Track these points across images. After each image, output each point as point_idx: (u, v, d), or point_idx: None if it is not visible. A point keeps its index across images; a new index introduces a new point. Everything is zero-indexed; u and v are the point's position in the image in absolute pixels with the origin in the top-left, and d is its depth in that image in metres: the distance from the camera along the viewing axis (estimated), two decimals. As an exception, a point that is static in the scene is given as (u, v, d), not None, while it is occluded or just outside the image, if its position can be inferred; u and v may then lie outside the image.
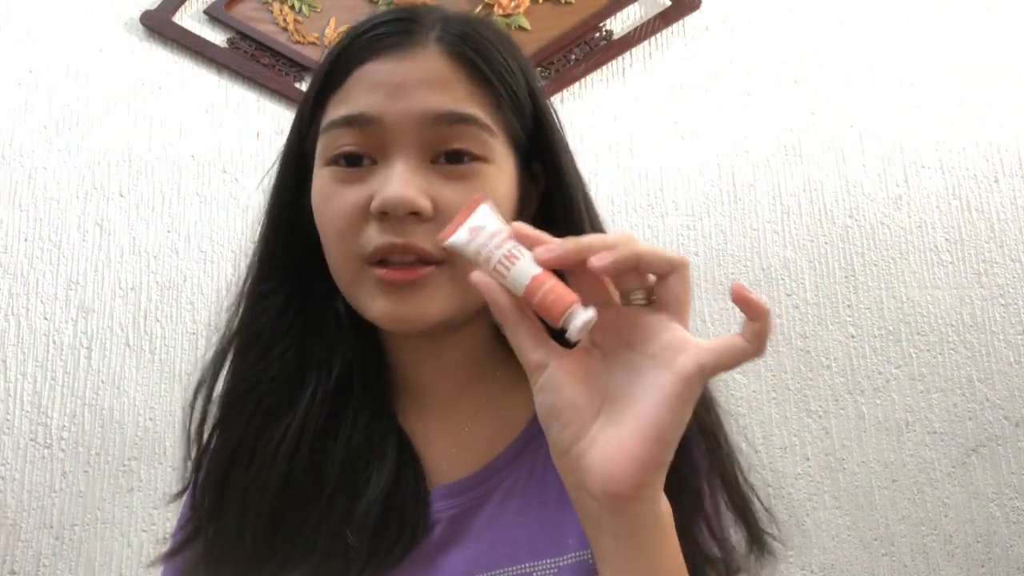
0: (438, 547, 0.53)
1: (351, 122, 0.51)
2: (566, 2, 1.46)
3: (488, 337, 0.60)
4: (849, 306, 1.40)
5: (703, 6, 1.47)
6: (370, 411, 0.56)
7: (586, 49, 1.45)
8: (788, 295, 1.39)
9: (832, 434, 1.35)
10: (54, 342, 1.28)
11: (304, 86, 1.41)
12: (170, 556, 0.57)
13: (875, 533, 1.32)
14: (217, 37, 1.41)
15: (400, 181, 0.49)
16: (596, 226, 0.59)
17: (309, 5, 1.43)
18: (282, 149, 0.60)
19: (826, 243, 1.42)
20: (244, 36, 1.40)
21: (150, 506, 1.24)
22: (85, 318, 1.30)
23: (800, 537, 1.30)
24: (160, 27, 1.39)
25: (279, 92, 1.40)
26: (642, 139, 1.44)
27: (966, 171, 1.46)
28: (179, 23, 1.40)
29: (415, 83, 0.51)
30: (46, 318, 1.29)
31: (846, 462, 1.34)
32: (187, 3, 1.40)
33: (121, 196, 1.35)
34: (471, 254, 0.43)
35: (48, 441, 1.25)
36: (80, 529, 1.22)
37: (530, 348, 0.42)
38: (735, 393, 1.34)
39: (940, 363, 1.38)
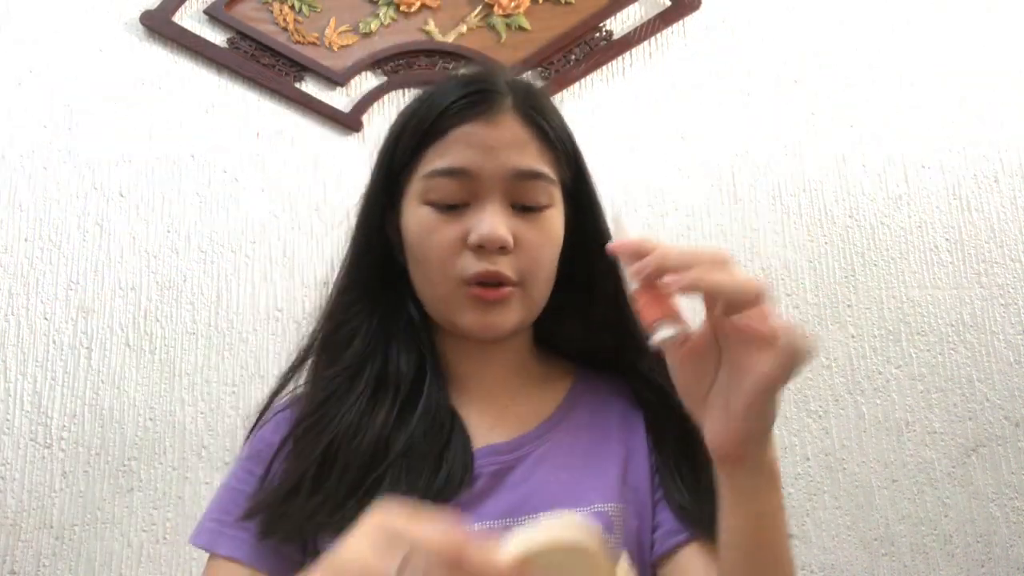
0: (480, 495, 0.65)
1: (454, 173, 0.65)
2: (566, 2, 1.46)
3: (526, 345, 0.75)
4: (849, 306, 1.40)
5: (703, 6, 1.47)
6: (435, 396, 0.68)
7: (586, 49, 1.45)
8: (788, 295, 1.39)
9: (832, 434, 1.35)
10: (54, 342, 1.28)
11: (304, 86, 1.41)
12: (254, 513, 0.65)
13: (875, 533, 1.32)
14: (217, 37, 1.41)
15: (495, 222, 0.64)
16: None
17: (309, 5, 1.43)
18: (369, 184, 0.72)
19: (826, 243, 1.42)
20: (244, 36, 1.40)
21: (150, 506, 1.24)
22: (85, 318, 1.30)
23: (800, 537, 1.30)
24: (160, 27, 1.39)
25: (279, 92, 1.40)
26: (642, 139, 1.44)
27: (966, 171, 1.46)
28: (179, 23, 1.40)
29: (502, 145, 0.65)
30: (46, 318, 1.29)
31: (846, 462, 1.34)
32: (187, 3, 1.40)
33: (121, 196, 1.35)
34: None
35: (48, 441, 1.25)
36: (80, 529, 1.22)
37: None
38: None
39: (940, 363, 1.38)
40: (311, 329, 0.73)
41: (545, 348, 0.77)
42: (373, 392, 0.67)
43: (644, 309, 0.50)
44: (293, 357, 0.73)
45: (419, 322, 0.71)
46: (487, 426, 0.69)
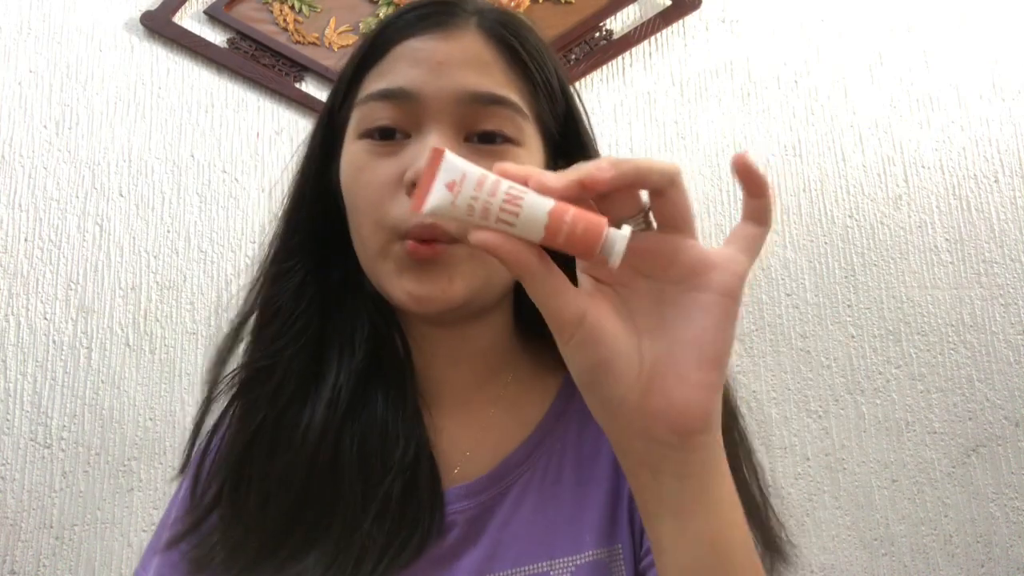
0: (455, 548, 0.52)
1: (389, 96, 0.52)
2: (566, 2, 1.46)
3: (505, 331, 0.60)
4: (849, 306, 1.40)
5: (703, 6, 1.47)
6: (391, 401, 0.55)
7: (586, 49, 1.45)
8: (788, 295, 1.39)
9: (832, 434, 1.35)
10: (54, 342, 1.28)
11: (304, 86, 1.41)
12: (171, 545, 0.54)
13: (875, 533, 1.32)
14: (217, 37, 1.41)
15: None
16: None
17: (309, 5, 1.43)
18: (313, 125, 0.60)
19: (826, 243, 1.42)
20: (244, 36, 1.40)
21: (150, 506, 1.24)
22: (85, 318, 1.30)
23: (800, 537, 1.30)
24: (160, 27, 1.39)
25: (279, 92, 1.40)
26: (642, 139, 1.44)
27: (966, 171, 1.46)
28: (179, 23, 1.40)
29: (455, 62, 0.52)
30: (46, 318, 1.29)
31: (846, 462, 1.34)
32: (187, 3, 1.40)
33: (121, 196, 1.35)
34: (461, 213, 0.35)
35: (48, 441, 1.25)
36: (80, 529, 1.22)
37: (564, 301, 0.36)
38: (735, 393, 1.34)
39: (940, 363, 1.38)
40: (239, 308, 0.61)
41: (536, 338, 0.60)
42: (297, 393, 0.54)
43: (581, 224, 0.35)
44: (216, 350, 0.61)
45: (373, 301, 0.56)
46: (464, 450, 0.56)
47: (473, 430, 0.57)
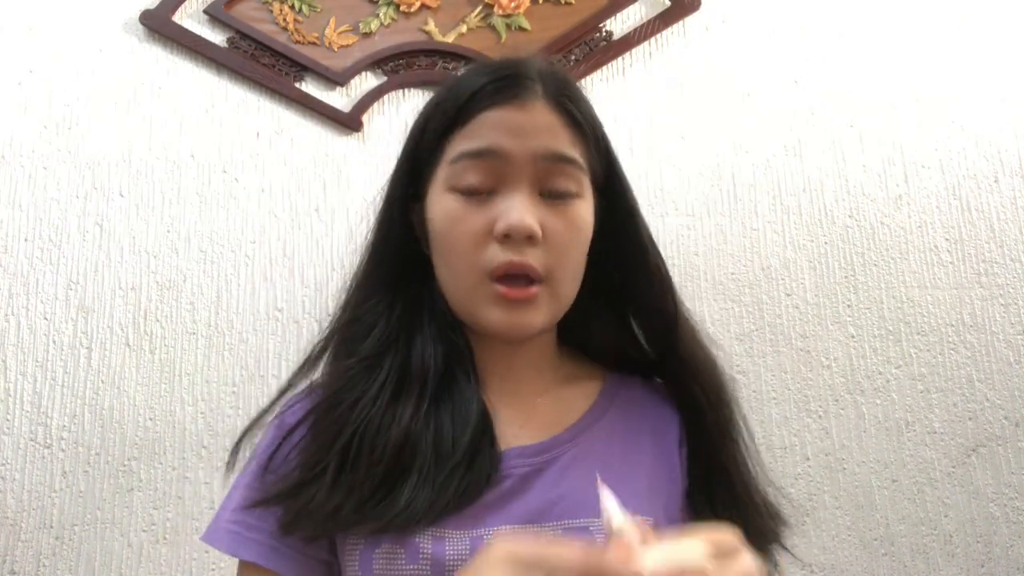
0: (507, 496, 0.62)
1: (481, 155, 0.62)
2: (566, 2, 1.46)
3: (551, 344, 0.72)
4: (849, 306, 1.40)
5: (703, 6, 1.47)
6: (466, 392, 0.65)
7: (586, 49, 1.45)
8: (788, 295, 1.39)
9: (832, 434, 1.35)
10: (54, 342, 1.28)
11: (304, 86, 1.41)
12: (271, 502, 0.62)
13: (875, 533, 1.32)
14: (217, 37, 1.41)
15: (522, 209, 0.61)
16: (653, 242, 0.70)
17: (309, 5, 1.43)
18: (392, 173, 0.70)
19: (826, 243, 1.42)
20: (244, 36, 1.40)
21: (150, 506, 1.24)
22: (85, 318, 1.30)
23: (800, 537, 1.30)
24: (160, 27, 1.39)
25: (279, 92, 1.40)
26: (642, 139, 1.44)
27: (966, 171, 1.46)
28: (179, 23, 1.40)
29: (532, 129, 0.63)
30: (46, 318, 1.29)
31: (846, 462, 1.34)
32: (187, 3, 1.40)
33: (121, 196, 1.35)
34: None
35: (48, 441, 1.25)
36: (80, 529, 1.22)
37: None
38: (738, 395, 1.34)
39: (940, 363, 1.38)
40: (328, 324, 0.70)
41: (572, 349, 0.74)
42: (397, 385, 0.65)
43: None
44: (307, 352, 0.70)
45: (445, 316, 0.68)
46: (516, 426, 0.67)
47: (524, 411, 0.68)
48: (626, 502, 0.60)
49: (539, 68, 0.66)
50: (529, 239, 0.61)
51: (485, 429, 0.64)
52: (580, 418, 0.68)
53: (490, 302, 0.62)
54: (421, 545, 0.59)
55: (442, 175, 0.64)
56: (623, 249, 0.69)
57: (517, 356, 0.69)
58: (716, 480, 0.68)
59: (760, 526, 0.69)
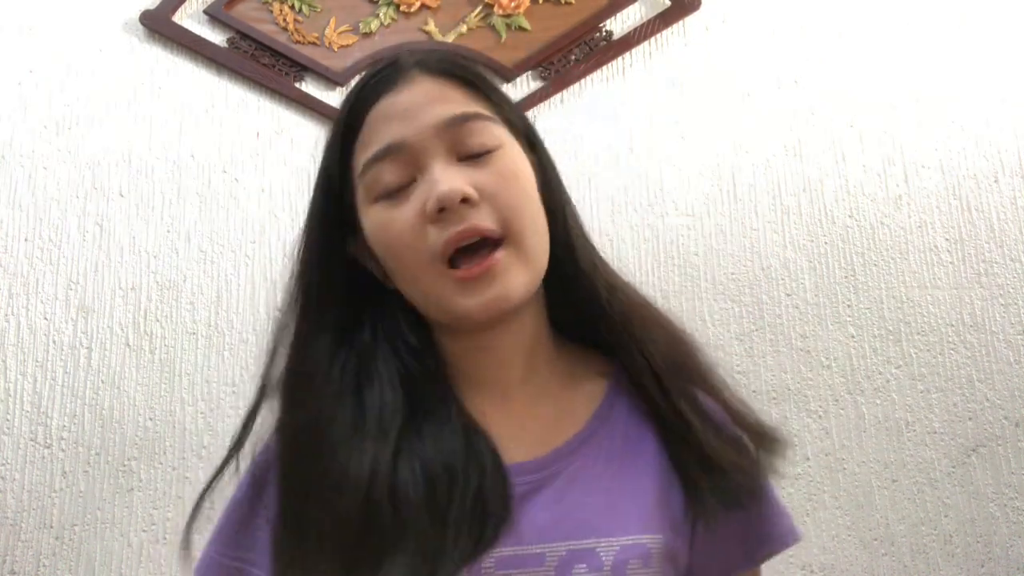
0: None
1: (383, 154, 0.57)
2: (566, 2, 1.46)
3: (536, 329, 0.64)
4: (849, 306, 1.40)
5: (703, 6, 1.47)
6: (441, 417, 0.59)
7: (586, 49, 1.45)
8: (788, 295, 1.39)
9: (832, 434, 1.35)
10: (54, 342, 1.28)
11: (304, 86, 1.41)
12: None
13: (875, 533, 1.32)
14: (217, 37, 1.41)
15: (444, 178, 0.55)
16: (571, 212, 0.65)
17: (309, 5, 1.43)
18: (309, 208, 0.64)
19: (826, 243, 1.42)
20: (244, 36, 1.40)
21: (150, 506, 1.24)
22: (85, 318, 1.30)
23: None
24: (160, 27, 1.39)
25: (279, 92, 1.40)
26: (642, 139, 1.44)
27: (966, 171, 1.46)
28: (179, 23, 1.40)
29: (419, 105, 0.58)
30: (46, 318, 1.29)
31: (846, 462, 1.34)
32: (187, 3, 1.40)
33: (121, 196, 1.35)
34: None
35: (48, 441, 1.25)
36: (80, 529, 1.22)
37: None
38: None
39: (940, 363, 1.38)
40: (261, 375, 0.63)
41: (572, 341, 0.67)
42: (352, 442, 0.57)
43: None
44: (241, 423, 0.64)
45: (408, 342, 0.62)
46: (512, 437, 0.60)
47: (519, 420, 0.62)
48: (633, 523, 0.58)
49: (414, 50, 0.63)
50: (465, 202, 0.55)
51: (479, 450, 0.57)
52: (583, 427, 0.62)
53: (455, 292, 0.56)
54: None
55: (361, 191, 0.59)
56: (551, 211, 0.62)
57: (499, 352, 0.62)
58: (679, 444, 0.61)
59: (744, 476, 0.63)
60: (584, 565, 0.56)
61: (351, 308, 0.62)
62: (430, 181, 0.56)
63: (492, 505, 0.55)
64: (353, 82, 1.37)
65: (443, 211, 0.55)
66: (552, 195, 0.63)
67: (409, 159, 0.57)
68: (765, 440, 0.65)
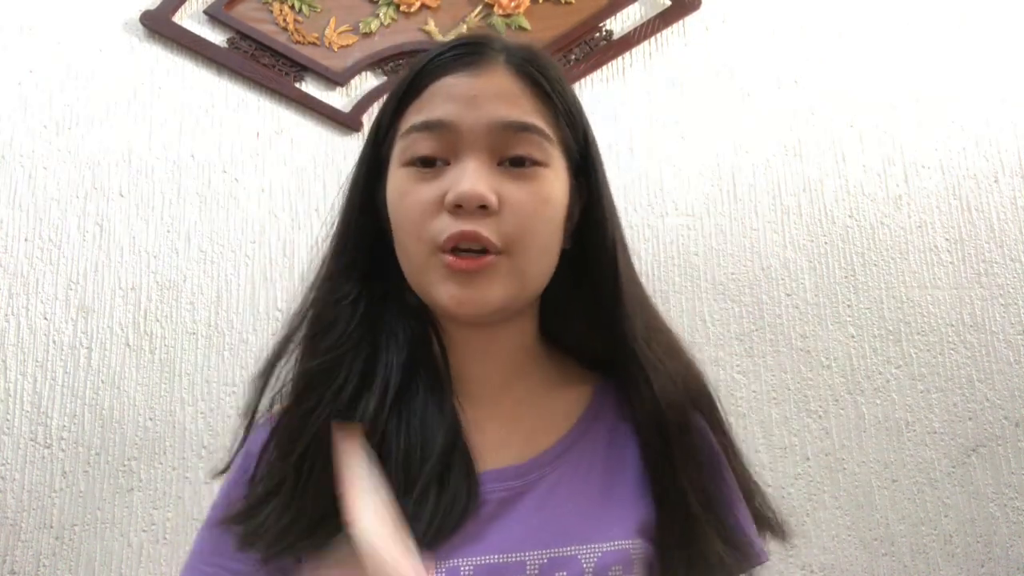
0: (486, 522, 0.57)
1: (430, 127, 0.58)
2: (566, 2, 1.46)
3: (530, 336, 0.66)
4: (849, 306, 1.40)
5: (703, 6, 1.47)
6: (431, 395, 0.60)
7: (586, 49, 1.45)
8: (788, 295, 1.39)
9: (832, 434, 1.35)
10: (54, 342, 1.28)
11: (304, 86, 1.41)
12: (224, 523, 0.60)
13: (875, 533, 1.32)
14: (217, 37, 1.41)
15: (473, 178, 0.56)
16: (622, 247, 0.65)
17: (309, 5, 1.43)
18: (358, 156, 0.66)
19: (826, 243, 1.42)
20: (244, 36, 1.40)
21: (150, 506, 1.24)
22: (85, 318, 1.30)
23: (800, 537, 1.30)
24: (160, 27, 1.39)
25: (279, 92, 1.40)
26: (642, 139, 1.44)
27: (966, 171, 1.46)
28: (179, 23, 1.40)
29: (487, 96, 0.58)
30: (46, 318, 1.29)
31: (846, 462, 1.34)
32: (187, 3, 1.40)
33: (121, 196, 1.35)
34: None
35: (48, 441, 1.25)
36: (80, 529, 1.22)
37: None
38: (735, 393, 1.34)
39: (940, 363, 1.38)
40: (289, 319, 0.65)
41: (560, 351, 0.68)
42: (356, 390, 0.59)
43: None
44: (267, 358, 0.65)
45: (417, 313, 0.63)
46: (496, 442, 0.61)
47: (503, 423, 0.62)
48: (614, 529, 0.58)
49: (506, 41, 0.63)
50: (483, 208, 0.56)
51: (456, 448, 0.58)
52: (567, 433, 0.63)
53: (441, 276, 0.57)
54: None
55: (396, 150, 0.61)
56: (591, 230, 0.63)
57: (495, 349, 0.63)
58: (669, 509, 0.60)
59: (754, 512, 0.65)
60: (565, 572, 0.56)
61: (376, 260, 0.63)
62: (461, 174, 0.57)
63: (455, 510, 0.56)
64: (355, 81, 1.40)
65: (459, 207, 0.56)
66: (599, 225, 0.64)
67: (452, 142, 0.58)
68: (776, 523, 0.65)
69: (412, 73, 0.61)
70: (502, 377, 0.64)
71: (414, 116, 0.59)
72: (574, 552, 0.57)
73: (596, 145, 0.66)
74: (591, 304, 0.65)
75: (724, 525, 0.62)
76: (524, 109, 0.59)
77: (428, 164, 0.58)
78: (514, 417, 0.63)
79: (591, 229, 0.64)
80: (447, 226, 0.56)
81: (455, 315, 0.59)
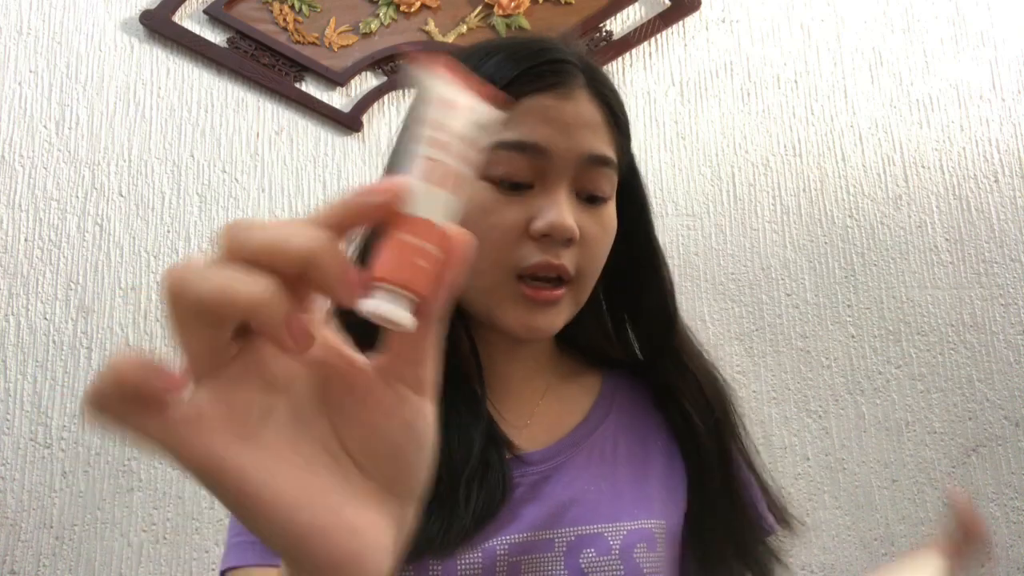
0: (519, 504, 0.60)
1: (524, 148, 0.57)
2: (566, 2, 1.46)
3: (550, 339, 0.69)
4: (849, 306, 1.40)
5: (703, 6, 1.47)
6: (467, 399, 0.62)
7: (586, 50, 1.45)
8: (788, 295, 1.39)
9: (832, 434, 1.35)
10: (54, 342, 1.28)
11: (304, 86, 1.41)
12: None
13: (875, 533, 1.32)
14: (217, 37, 1.41)
15: (565, 211, 0.57)
16: (658, 242, 0.69)
17: (309, 5, 1.43)
18: (394, 154, 0.65)
19: (826, 243, 1.42)
20: (244, 36, 1.40)
21: (150, 506, 1.24)
22: (85, 318, 1.30)
23: (800, 537, 1.29)
24: (160, 27, 1.39)
25: (279, 92, 1.40)
26: (642, 139, 1.44)
27: (966, 171, 1.46)
28: (179, 23, 1.40)
29: (578, 124, 0.59)
30: (46, 318, 1.29)
31: (846, 462, 1.34)
32: (187, 3, 1.40)
33: (121, 196, 1.35)
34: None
35: (48, 441, 1.25)
36: (80, 529, 1.22)
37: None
38: (735, 393, 1.34)
39: (940, 363, 1.38)
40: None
41: (566, 345, 0.72)
42: None
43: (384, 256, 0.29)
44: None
45: (453, 314, 0.63)
46: (521, 431, 0.64)
47: (526, 415, 0.66)
48: (639, 508, 0.61)
49: (576, 52, 0.63)
50: (568, 241, 0.58)
51: (494, 442, 0.60)
52: (585, 418, 0.66)
53: (513, 301, 0.59)
54: (431, 564, 0.56)
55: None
56: (636, 246, 0.67)
57: (519, 354, 0.66)
58: (707, 506, 0.65)
59: (754, 552, 0.69)
60: (592, 550, 0.59)
61: None
62: (553, 205, 0.57)
63: (494, 501, 0.58)
64: (355, 81, 1.40)
65: (547, 237, 0.57)
66: (644, 244, 0.68)
67: (542, 167, 0.58)
68: (784, 516, 0.71)
69: (496, 82, 0.58)
70: (524, 372, 0.67)
71: (503, 130, 0.57)
72: (601, 530, 0.60)
73: (634, 156, 0.68)
74: (632, 308, 0.69)
75: (749, 506, 0.68)
76: (604, 140, 0.60)
77: (511, 185, 0.58)
78: (537, 407, 0.66)
79: (636, 242, 0.67)
80: (531, 254, 0.57)
81: (518, 338, 0.60)
